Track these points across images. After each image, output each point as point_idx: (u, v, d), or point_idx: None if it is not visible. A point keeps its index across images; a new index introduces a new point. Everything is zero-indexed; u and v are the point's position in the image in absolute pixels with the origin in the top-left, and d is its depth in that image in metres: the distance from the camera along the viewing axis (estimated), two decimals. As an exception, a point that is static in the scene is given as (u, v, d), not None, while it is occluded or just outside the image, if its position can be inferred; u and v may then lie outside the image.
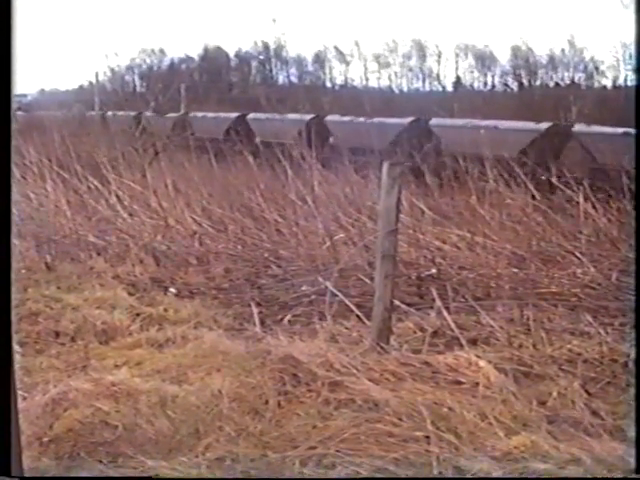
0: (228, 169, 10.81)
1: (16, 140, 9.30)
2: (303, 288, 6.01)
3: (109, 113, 17.13)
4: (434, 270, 6.11)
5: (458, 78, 33.20)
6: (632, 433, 3.45)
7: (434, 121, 15.65)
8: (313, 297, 5.75)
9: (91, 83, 25.11)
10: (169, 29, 52.64)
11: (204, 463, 3.46)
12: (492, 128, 13.73)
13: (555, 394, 4.07)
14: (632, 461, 3.21)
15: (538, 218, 7.34)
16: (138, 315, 5.54)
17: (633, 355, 4.37)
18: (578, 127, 13.64)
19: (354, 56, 33.87)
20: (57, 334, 5.22)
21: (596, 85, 28.13)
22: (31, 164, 9.36)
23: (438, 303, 5.20)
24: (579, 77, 29.62)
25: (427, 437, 3.59)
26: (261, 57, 34.66)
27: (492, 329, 4.99)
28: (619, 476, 3.31)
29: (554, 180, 8.43)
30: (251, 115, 18.97)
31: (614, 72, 28.03)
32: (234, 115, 19.33)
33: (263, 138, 14.22)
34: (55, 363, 4.66)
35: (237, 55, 35.16)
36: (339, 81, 34.21)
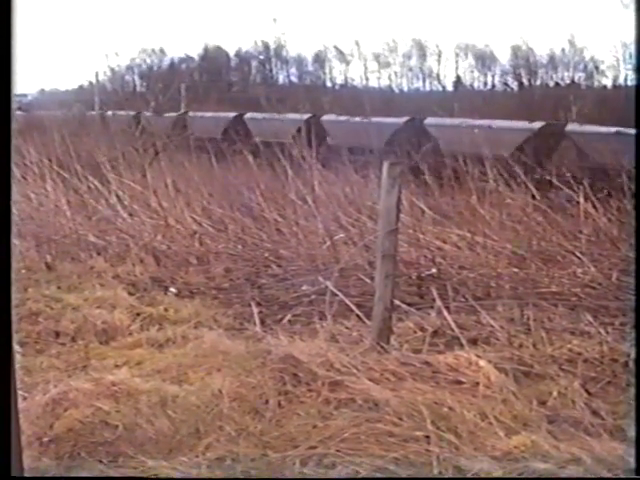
0: (228, 169, 10.80)
1: (16, 140, 9.30)
2: (303, 288, 6.01)
3: (109, 113, 17.11)
4: (434, 270, 6.11)
5: (458, 78, 33.19)
6: (632, 433, 3.45)
7: (429, 120, 15.69)
8: (313, 297, 5.75)
9: (91, 83, 25.08)
10: (169, 29, 52.62)
11: (204, 463, 3.46)
12: (486, 127, 13.81)
13: (555, 394, 4.07)
14: (632, 461, 3.21)
15: (538, 218, 7.34)
16: (138, 315, 5.54)
17: (633, 355, 4.37)
18: (571, 126, 13.69)
19: (354, 56, 33.86)
20: (57, 334, 5.22)
21: (596, 85, 28.14)
22: (31, 164, 9.37)
23: (438, 303, 5.21)
24: (579, 77, 29.62)
25: (427, 437, 3.59)
26: (261, 57, 34.63)
27: (492, 329, 4.99)
28: (619, 476, 3.31)
29: (548, 178, 8.49)
30: (248, 115, 18.97)
31: (614, 72, 28.05)
32: (232, 115, 19.33)
33: (260, 138, 14.21)
34: (55, 363, 4.66)
35: (237, 55, 35.14)
36: (339, 81, 34.22)
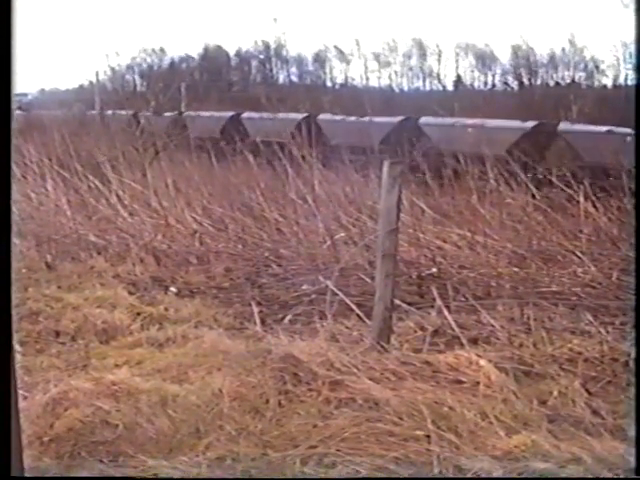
0: (228, 168, 10.80)
1: (16, 139, 9.31)
2: (304, 287, 6.01)
3: (109, 112, 17.10)
4: (435, 269, 6.11)
5: (458, 77, 33.21)
6: (632, 432, 3.45)
7: (423, 120, 15.70)
8: (314, 296, 5.75)
9: (91, 82, 25.05)
10: (169, 28, 52.63)
11: (205, 462, 3.46)
12: (479, 126, 13.81)
13: (556, 393, 4.07)
14: (632, 460, 3.21)
15: (539, 217, 7.34)
16: (139, 314, 5.54)
17: (633, 354, 4.37)
18: (563, 125, 13.71)
19: (354, 55, 33.90)
20: (57, 333, 5.22)
21: (596, 84, 28.14)
22: (31, 163, 9.37)
23: (439, 302, 5.21)
24: (579, 76, 29.64)
25: (428, 436, 3.59)
26: (261, 56, 34.65)
27: (493, 328, 4.99)
28: (619, 476, 3.31)
29: (540, 177, 8.53)
30: (245, 114, 18.97)
31: (614, 71, 28.05)
32: (229, 114, 19.34)
33: (257, 137, 14.21)
34: (56, 362, 4.66)
35: (237, 54, 35.16)
36: (339, 80, 34.24)
